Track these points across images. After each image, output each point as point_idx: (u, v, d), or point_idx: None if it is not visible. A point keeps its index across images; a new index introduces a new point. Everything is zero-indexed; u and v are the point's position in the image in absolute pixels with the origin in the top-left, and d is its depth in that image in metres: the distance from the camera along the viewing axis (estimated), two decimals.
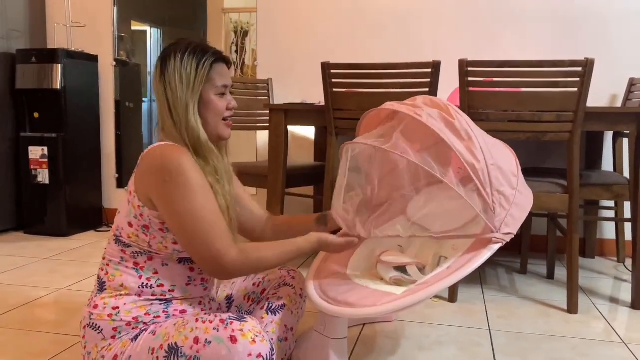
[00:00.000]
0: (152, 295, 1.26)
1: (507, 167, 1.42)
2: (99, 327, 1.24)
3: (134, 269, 1.26)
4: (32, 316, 1.93)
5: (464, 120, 1.38)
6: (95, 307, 1.25)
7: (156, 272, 1.26)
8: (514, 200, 1.38)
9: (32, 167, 3.19)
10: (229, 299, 1.51)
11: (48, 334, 1.77)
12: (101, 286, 1.28)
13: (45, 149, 3.16)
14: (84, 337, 1.27)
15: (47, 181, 3.18)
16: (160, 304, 1.26)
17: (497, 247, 1.34)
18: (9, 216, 3.28)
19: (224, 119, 1.33)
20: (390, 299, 1.29)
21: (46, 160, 3.17)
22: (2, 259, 2.70)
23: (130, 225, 1.25)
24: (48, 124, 3.18)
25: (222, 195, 1.28)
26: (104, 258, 1.30)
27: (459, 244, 1.47)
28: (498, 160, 1.39)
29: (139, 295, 1.25)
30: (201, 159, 1.27)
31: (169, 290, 1.27)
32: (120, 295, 1.25)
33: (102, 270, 1.30)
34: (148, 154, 1.24)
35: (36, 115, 3.19)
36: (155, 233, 1.24)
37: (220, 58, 1.31)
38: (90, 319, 1.25)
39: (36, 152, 3.18)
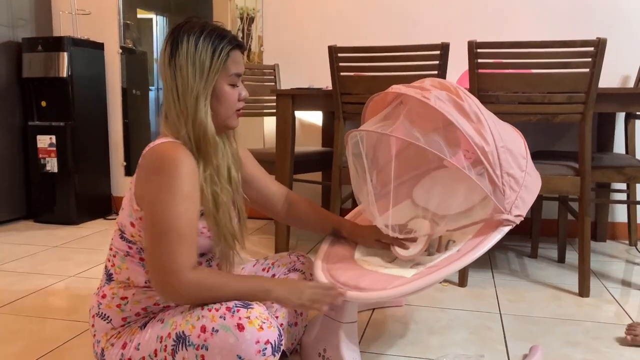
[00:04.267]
0: None
1: (516, 149, 1.40)
2: (108, 316, 1.24)
3: (140, 264, 1.23)
4: (44, 303, 1.94)
5: (473, 103, 1.36)
6: (104, 296, 1.25)
7: None
8: (523, 183, 1.36)
9: (40, 155, 3.20)
10: None
11: (60, 321, 1.78)
12: (109, 277, 1.27)
13: (54, 137, 3.17)
14: (93, 325, 1.27)
15: (55, 170, 3.19)
16: None
17: (507, 229, 1.33)
18: (19, 205, 3.30)
19: (236, 111, 1.27)
20: (400, 283, 1.28)
21: (54, 148, 3.17)
22: (13, 247, 2.72)
23: (133, 225, 1.21)
24: (56, 112, 3.18)
25: (221, 191, 1.22)
26: (111, 249, 1.28)
27: (467, 228, 1.45)
28: (507, 142, 1.38)
29: (147, 288, 1.24)
30: (202, 156, 1.20)
31: None
32: (129, 286, 1.24)
33: (109, 261, 1.28)
34: (149, 153, 1.18)
35: (43, 103, 3.19)
36: None
37: (237, 45, 1.23)
38: (99, 308, 1.25)
39: (44, 141, 3.18)
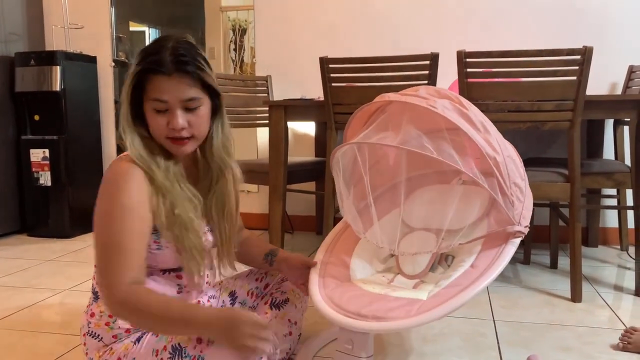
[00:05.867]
0: None
1: (517, 158, 1.40)
2: (98, 335, 1.24)
3: None
4: (38, 317, 1.94)
5: (477, 112, 1.34)
6: (92, 315, 1.25)
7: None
8: (526, 192, 1.36)
9: (34, 169, 3.20)
10: (233, 295, 1.51)
11: (54, 335, 1.78)
12: (95, 295, 1.27)
13: (47, 151, 3.17)
14: (84, 344, 1.26)
15: (49, 183, 3.19)
16: None
17: (518, 241, 1.30)
18: (12, 219, 3.29)
19: (170, 138, 1.17)
20: (425, 308, 1.18)
21: (48, 162, 3.17)
22: (6, 261, 2.71)
23: None
24: (49, 126, 3.18)
25: (177, 201, 1.19)
26: (95, 266, 1.27)
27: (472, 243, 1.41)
28: (510, 151, 1.37)
29: None
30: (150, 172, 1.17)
31: None
32: None
33: (94, 278, 1.27)
34: (108, 168, 1.19)
35: (36, 117, 3.20)
36: None
37: (162, 70, 1.11)
38: (89, 327, 1.25)
39: (37, 155, 3.18)
